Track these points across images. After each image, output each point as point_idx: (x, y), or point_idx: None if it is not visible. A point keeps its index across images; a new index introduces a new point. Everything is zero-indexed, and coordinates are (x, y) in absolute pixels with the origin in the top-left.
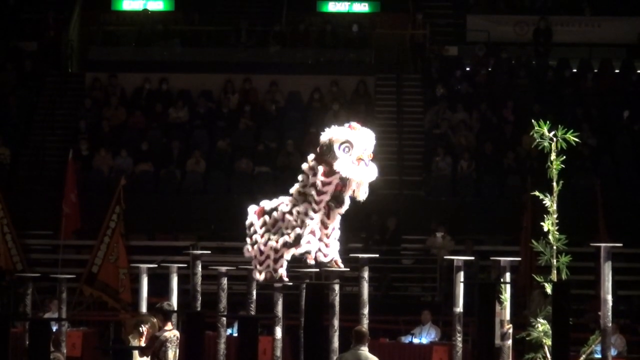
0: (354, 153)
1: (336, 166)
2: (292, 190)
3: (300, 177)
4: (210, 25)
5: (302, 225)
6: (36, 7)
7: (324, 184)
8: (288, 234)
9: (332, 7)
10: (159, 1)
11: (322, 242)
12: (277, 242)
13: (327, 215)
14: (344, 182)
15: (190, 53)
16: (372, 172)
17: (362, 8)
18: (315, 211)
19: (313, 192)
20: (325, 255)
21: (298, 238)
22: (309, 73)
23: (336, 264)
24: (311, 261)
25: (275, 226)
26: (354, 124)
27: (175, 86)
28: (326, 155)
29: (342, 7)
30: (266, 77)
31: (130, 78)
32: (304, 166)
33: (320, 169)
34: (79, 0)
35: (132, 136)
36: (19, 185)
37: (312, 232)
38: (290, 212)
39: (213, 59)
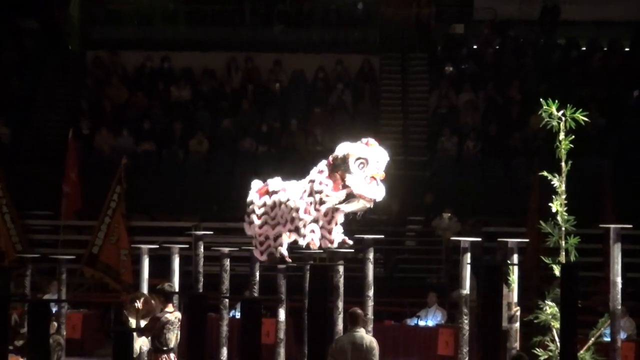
0: (367, 170)
1: (348, 181)
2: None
3: (311, 177)
4: (213, 3)
5: (293, 219)
6: None
7: (330, 196)
8: (288, 221)
9: None
10: None
11: (325, 230)
12: (273, 228)
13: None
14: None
15: (193, 31)
16: (381, 192)
17: None
18: (316, 210)
19: (318, 198)
20: (331, 242)
21: (298, 228)
22: (313, 52)
23: (345, 241)
24: (314, 247)
25: (273, 210)
26: (370, 140)
27: (178, 65)
28: (339, 168)
29: None
30: (270, 56)
31: (131, 56)
32: (314, 171)
33: (330, 183)
34: None
35: (134, 115)
36: (19, 165)
37: (315, 219)
38: (286, 204)
39: (216, 38)
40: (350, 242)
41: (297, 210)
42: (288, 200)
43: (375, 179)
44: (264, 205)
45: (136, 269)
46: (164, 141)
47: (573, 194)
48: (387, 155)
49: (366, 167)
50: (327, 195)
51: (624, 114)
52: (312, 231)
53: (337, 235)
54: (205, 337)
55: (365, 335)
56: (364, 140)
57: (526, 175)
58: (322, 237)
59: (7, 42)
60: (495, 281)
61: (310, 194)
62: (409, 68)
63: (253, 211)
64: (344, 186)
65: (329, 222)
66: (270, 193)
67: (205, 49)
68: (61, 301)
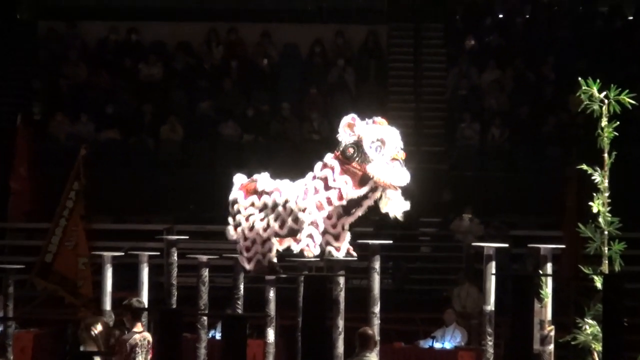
0: (386, 152)
1: (370, 169)
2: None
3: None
4: None
5: (296, 221)
6: None
7: (351, 193)
8: (279, 226)
9: None
10: None
11: (331, 234)
12: (264, 229)
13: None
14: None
15: None
16: (406, 176)
17: None
18: (319, 210)
19: (336, 194)
20: (337, 249)
21: (292, 231)
22: (309, 22)
23: (349, 251)
24: (309, 254)
25: (263, 211)
26: (378, 119)
27: (147, 37)
28: (353, 158)
29: None
30: (257, 27)
31: (92, 27)
32: (318, 167)
33: (349, 179)
34: None
35: (95, 97)
36: None
37: (314, 224)
38: (284, 206)
39: (193, 5)
40: (355, 255)
41: (302, 210)
42: (287, 201)
43: (397, 160)
44: (252, 205)
45: (97, 280)
46: (130, 128)
47: (618, 191)
48: (399, 135)
49: (383, 148)
50: (347, 194)
51: None
52: (310, 236)
53: (345, 243)
54: None
55: None
56: (370, 120)
57: (562, 169)
58: (328, 243)
59: None
60: (526, 295)
61: (318, 193)
62: (422, 41)
63: (238, 212)
64: (364, 181)
65: (334, 226)
66: (259, 193)
67: (179, 18)
68: (8, 319)
